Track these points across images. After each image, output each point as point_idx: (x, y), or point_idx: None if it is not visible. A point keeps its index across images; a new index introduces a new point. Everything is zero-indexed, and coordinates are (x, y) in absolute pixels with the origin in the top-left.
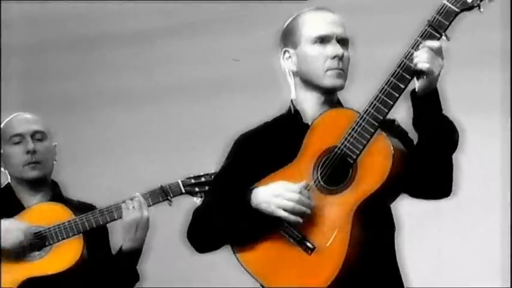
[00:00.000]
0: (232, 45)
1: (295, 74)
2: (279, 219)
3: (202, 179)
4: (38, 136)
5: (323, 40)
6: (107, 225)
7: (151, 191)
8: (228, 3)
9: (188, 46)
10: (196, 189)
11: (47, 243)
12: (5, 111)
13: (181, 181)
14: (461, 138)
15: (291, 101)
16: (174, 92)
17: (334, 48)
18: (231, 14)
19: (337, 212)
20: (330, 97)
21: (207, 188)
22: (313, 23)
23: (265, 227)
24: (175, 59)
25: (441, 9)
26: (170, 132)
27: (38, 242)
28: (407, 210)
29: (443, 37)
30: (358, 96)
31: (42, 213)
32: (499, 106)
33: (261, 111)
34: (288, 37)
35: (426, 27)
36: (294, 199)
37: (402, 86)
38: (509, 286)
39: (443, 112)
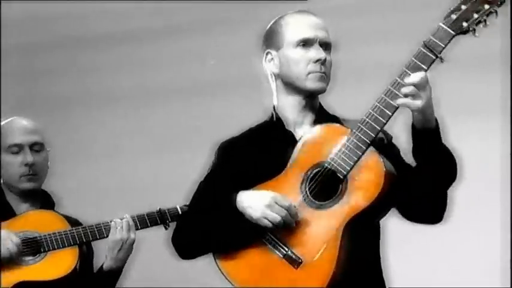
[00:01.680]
0: (225, 46)
1: (277, 76)
2: (261, 227)
3: None
4: (37, 148)
5: (306, 43)
6: (93, 243)
7: (148, 213)
8: (221, 4)
9: (181, 47)
10: None
11: (42, 249)
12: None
13: (180, 207)
14: (460, 166)
15: (273, 107)
16: (168, 93)
17: (317, 52)
18: (224, 14)
19: (325, 226)
20: (312, 101)
21: None
22: (297, 26)
23: (248, 232)
24: (169, 60)
25: (437, 31)
26: (162, 134)
27: (33, 247)
28: None
29: (438, 59)
30: (344, 99)
31: (37, 220)
32: (499, 108)
33: (255, 112)
34: (271, 39)
35: (421, 48)
36: (282, 214)
37: (395, 105)
38: (509, 286)
39: (443, 144)
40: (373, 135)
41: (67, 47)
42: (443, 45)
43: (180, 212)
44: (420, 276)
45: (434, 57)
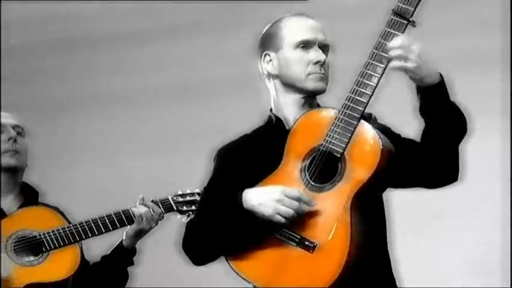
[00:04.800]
0: (221, 48)
1: (275, 77)
2: (274, 223)
3: (188, 198)
4: (18, 129)
5: (306, 45)
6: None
7: (153, 200)
8: (215, 4)
9: (178, 48)
10: (185, 207)
11: (43, 249)
12: None
13: (171, 197)
14: (469, 123)
15: (270, 110)
16: (162, 95)
17: (316, 54)
18: (219, 15)
19: (333, 205)
20: (310, 100)
21: (193, 207)
22: (296, 28)
23: (260, 229)
24: (163, 62)
25: None
26: (158, 135)
27: (34, 247)
28: (408, 210)
29: (410, 24)
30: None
31: (33, 217)
32: (499, 108)
33: (250, 114)
34: (269, 41)
35: (391, 16)
36: (293, 206)
37: (377, 75)
38: (509, 286)
39: (450, 98)
40: (361, 109)
41: (60, 49)
42: (413, 9)
43: (172, 203)
44: (420, 276)
45: (406, 22)
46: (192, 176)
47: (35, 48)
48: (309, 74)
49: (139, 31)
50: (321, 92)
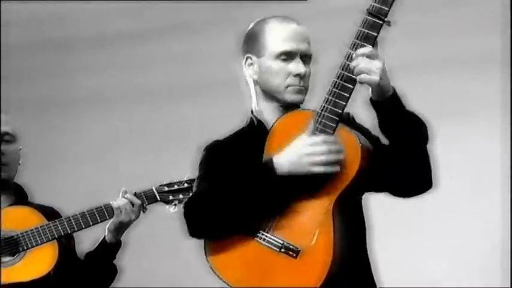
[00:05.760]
0: (211, 48)
1: (256, 82)
2: (305, 180)
3: (175, 187)
4: (7, 138)
5: (287, 56)
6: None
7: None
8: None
9: (166, 48)
10: (170, 197)
11: (20, 248)
12: None
13: (156, 188)
14: (430, 129)
15: (252, 112)
16: (152, 94)
17: (296, 66)
18: (210, 16)
19: (315, 210)
20: (292, 108)
21: (181, 196)
22: (279, 36)
23: (289, 196)
24: (154, 61)
25: None
26: (149, 134)
27: (11, 247)
28: (407, 210)
29: (385, 24)
30: None
31: (12, 217)
32: (499, 108)
33: (236, 114)
34: (252, 44)
35: (366, 16)
36: (325, 151)
37: (354, 77)
38: (509, 286)
39: (406, 109)
40: (340, 111)
41: (49, 49)
42: (388, 8)
43: (156, 193)
44: (420, 276)
45: (381, 23)
46: (183, 176)
47: (16, 49)
48: (288, 86)
49: (129, 31)
50: (299, 103)
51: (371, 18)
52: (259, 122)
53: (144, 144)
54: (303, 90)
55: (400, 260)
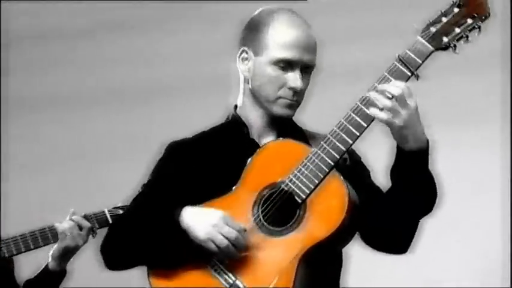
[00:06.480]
0: (178, 46)
1: (246, 80)
2: (208, 251)
3: None
4: None
5: (286, 64)
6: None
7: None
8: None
9: (133, 46)
10: None
11: None
12: None
13: (108, 210)
14: (439, 199)
15: (235, 109)
16: (136, 96)
17: (294, 79)
18: (179, 11)
19: (278, 256)
20: (280, 119)
21: None
22: (283, 39)
23: (190, 253)
24: (138, 59)
25: (414, 44)
26: (132, 139)
27: None
28: None
29: (414, 76)
30: (337, 98)
31: None
32: (499, 109)
33: (209, 115)
34: (251, 37)
35: (396, 63)
36: (231, 237)
37: (364, 125)
38: (509, 286)
39: (429, 172)
40: (338, 156)
41: (25, 45)
42: (420, 62)
43: (108, 217)
44: (420, 275)
45: (409, 74)
46: None
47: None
48: (279, 98)
49: (111, 25)
50: (287, 118)
51: (400, 66)
52: (242, 124)
53: (128, 150)
54: (295, 105)
55: (400, 260)
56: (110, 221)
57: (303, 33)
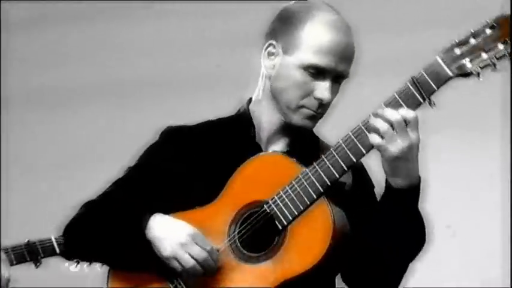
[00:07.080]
0: (177, 43)
1: (268, 77)
2: (171, 268)
3: None
4: None
5: (317, 71)
6: None
7: (14, 246)
8: None
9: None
10: None
11: None
12: None
13: (56, 238)
14: (427, 241)
15: (248, 103)
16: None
17: (323, 90)
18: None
19: (251, 284)
20: (296, 128)
21: None
22: (318, 43)
23: (152, 266)
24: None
25: (432, 66)
26: (119, 141)
27: None
28: None
29: (427, 103)
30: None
31: None
32: (499, 110)
33: (208, 113)
34: (282, 32)
35: (408, 85)
36: (199, 258)
37: (363, 151)
38: (509, 286)
39: (419, 213)
40: (328, 183)
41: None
42: (436, 88)
43: (55, 245)
44: (419, 275)
45: (421, 101)
46: None
47: None
48: (301, 107)
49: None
50: (306, 129)
51: (413, 89)
52: (250, 121)
53: (113, 152)
54: (318, 117)
55: None
56: (57, 250)
57: (343, 39)
